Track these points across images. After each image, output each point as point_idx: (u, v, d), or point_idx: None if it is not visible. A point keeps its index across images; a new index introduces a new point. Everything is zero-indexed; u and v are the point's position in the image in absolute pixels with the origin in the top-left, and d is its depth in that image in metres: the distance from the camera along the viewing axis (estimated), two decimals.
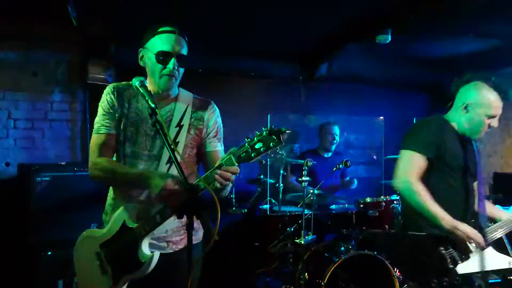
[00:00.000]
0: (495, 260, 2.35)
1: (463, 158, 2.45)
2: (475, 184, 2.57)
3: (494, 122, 2.42)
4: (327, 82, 5.44)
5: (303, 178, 3.76)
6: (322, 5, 3.48)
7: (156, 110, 1.72)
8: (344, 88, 5.65)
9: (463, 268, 2.28)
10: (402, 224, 2.59)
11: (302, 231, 3.81)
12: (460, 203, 2.46)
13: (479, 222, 2.39)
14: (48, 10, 3.61)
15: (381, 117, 5.13)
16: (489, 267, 2.33)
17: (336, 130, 4.74)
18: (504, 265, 2.36)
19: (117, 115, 1.97)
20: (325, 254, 3.81)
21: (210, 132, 2.07)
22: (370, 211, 4.04)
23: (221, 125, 2.15)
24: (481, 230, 2.34)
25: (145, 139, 1.96)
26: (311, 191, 3.94)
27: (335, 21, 3.93)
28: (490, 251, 2.37)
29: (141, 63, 1.99)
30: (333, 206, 4.30)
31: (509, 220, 2.48)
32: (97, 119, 2.00)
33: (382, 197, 4.12)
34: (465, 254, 2.31)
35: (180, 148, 1.98)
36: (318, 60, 5.03)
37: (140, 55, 1.97)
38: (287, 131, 1.66)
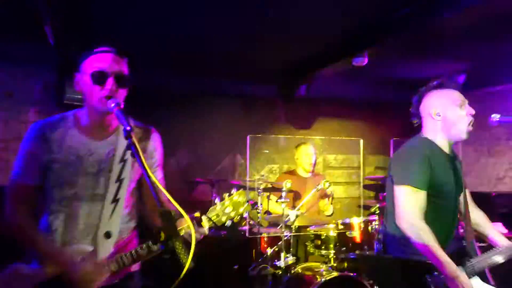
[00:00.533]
0: None
1: (452, 180, 2.37)
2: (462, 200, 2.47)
3: (469, 109, 2.35)
4: (306, 103, 5.50)
5: (282, 200, 3.75)
6: (298, 29, 3.54)
7: (131, 133, 1.58)
8: (322, 109, 5.72)
9: None
10: (384, 247, 2.50)
11: (282, 253, 3.78)
12: (446, 226, 2.38)
13: (468, 251, 2.31)
14: (25, 30, 3.56)
15: (360, 138, 5.20)
16: None
17: (312, 150, 4.76)
18: None
19: (41, 162, 1.79)
20: (305, 277, 3.77)
21: (154, 163, 1.98)
22: (350, 232, 4.05)
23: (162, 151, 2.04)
24: (470, 261, 2.26)
25: (86, 179, 1.80)
26: (291, 212, 3.93)
27: (311, 45, 3.99)
28: (475, 281, 2.26)
29: (77, 89, 1.84)
30: (313, 227, 4.29)
31: (503, 250, 2.32)
32: (16, 162, 1.83)
33: (361, 217, 4.14)
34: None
35: (125, 185, 1.85)
36: (297, 81, 5.09)
37: (76, 80, 1.83)
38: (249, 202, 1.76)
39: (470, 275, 2.23)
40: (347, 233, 4.08)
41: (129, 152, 1.77)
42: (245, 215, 4.27)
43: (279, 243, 3.89)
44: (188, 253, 1.51)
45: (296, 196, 4.47)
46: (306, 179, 4.76)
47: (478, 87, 5.37)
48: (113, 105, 1.69)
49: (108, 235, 1.81)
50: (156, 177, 1.96)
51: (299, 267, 3.89)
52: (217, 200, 1.84)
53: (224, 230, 4.36)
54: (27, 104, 4.37)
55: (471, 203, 2.54)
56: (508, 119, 2.37)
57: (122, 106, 1.71)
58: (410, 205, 2.25)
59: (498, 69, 4.70)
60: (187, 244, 1.58)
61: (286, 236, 3.85)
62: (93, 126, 1.85)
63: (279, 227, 4.07)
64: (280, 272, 3.81)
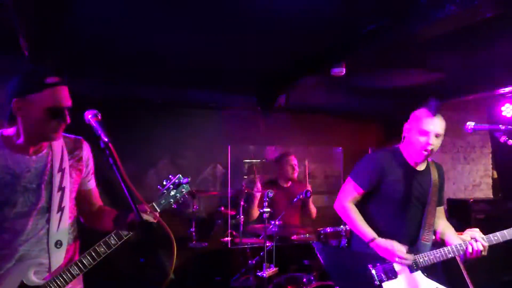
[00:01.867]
0: (422, 284, 2.45)
1: (406, 188, 2.57)
2: (430, 211, 2.64)
3: (431, 140, 2.48)
4: (285, 113, 5.53)
5: (264, 210, 3.74)
6: (275, 39, 3.57)
7: (109, 144, 1.63)
8: (302, 118, 5.76)
9: (388, 286, 2.42)
10: (347, 243, 2.89)
11: (264, 264, 3.76)
12: (404, 231, 2.58)
13: (417, 247, 2.52)
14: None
15: (339, 147, 5.26)
16: None
17: (294, 160, 4.79)
18: None
19: None
20: (288, 287, 3.77)
21: (89, 170, 2.05)
22: (331, 241, 4.06)
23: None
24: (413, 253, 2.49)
25: (27, 196, 1.81)
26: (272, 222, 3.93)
27: (289, 55, 4.03)
28: (419, 275, 2.47)
29: (16, 113, 1.78)
30: (295, 237, 4.29)
31: (448, 249, 2.52)
32: None
33: (342, 226, 4.16)
34: (392, 273, 2.44)
35: (67, 193, 1.90)
36: (276, 91, 5.12)
37: (17, 105, 1.76)
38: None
39: (412, 268, 2.47)
40: (328, 242, 4.08)
41: (66, 162, 1.92)
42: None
43: (261, 253, 3.88)
44: (169, 264, 1.50)
45: (277, 205, 4.47)
46: (288, 188, 4.77)
47: (453, 96, 5.50)
48: (90, 116, 1.72)
49: (58, 244, 1.86)
50: (92, 184, 2.08)
51: (282, 277, 3.88)
52: (159, 187, 2.14)
53: (205, 242, 4.32)
54: (2, 117, 4.26)
55: (442, 218, 2.79)
56: (482, 127, 2.45)
57: (99, 117, 1.73)
58: (346, 192, 2.68)
59: (472, 78, 4.83)
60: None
61: (268, 246, 3.84)
62: (28, 145, 1.84)
63: (260, 237, 4.05)
64: (263, 283, 3.79)
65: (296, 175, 4.81)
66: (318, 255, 3.43)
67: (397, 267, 2.46)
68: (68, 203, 1.89)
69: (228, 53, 3.97)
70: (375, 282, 2.41)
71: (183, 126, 5.30)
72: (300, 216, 4.79)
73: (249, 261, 3.97)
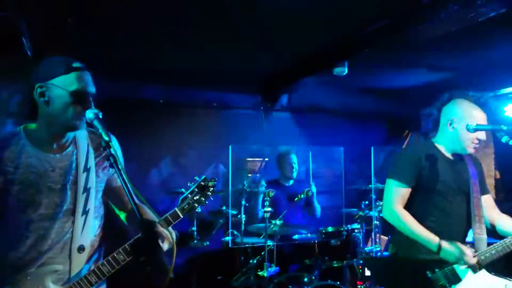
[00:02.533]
0: (489, 284, 2.33)
1: (447, 178, 2.47)
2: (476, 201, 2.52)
3: (481, 135, 2.46)
4: (287, 113, 5.54)
5: (265, 209, 3.74)
6: (277, 39, 3.57)
7: (110, 143, 1.60)
8: (304, 118, 5.76)
9: None
10: (395, 252, 2.61)
11: (265, 263, 3.76)
12: (452, 224, 2.48)
13: (472, 243, 2.40)
14: (1, 41, 3.50)
15: (341, 147, 5.25)
16: None
17: (294, 158, 4.79)
18: None
19: None
20: (289, 286, 3.77)
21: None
22: (333, 241, 4.06)
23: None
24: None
25: (52, 196, 1.73)
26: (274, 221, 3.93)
27: (291, 55, 4.03)
28: (483, 274, 2.34)
29: (39, 100, 1.71)
30: (296, 236, 4.28)
31: (506, 241, 2.40)
32: None
33: (343, 226, 4.16)
34: (454, 277, 2.32)
35: (92, 195, 1.82)
36: (278, 91, 5.12)
37: (41, 90, 1.70)
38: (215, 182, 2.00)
39: (475, 268, 2.33)
40: (330, 241, 4.08)
41: (91, 160, 1.83)
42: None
43: (262, 253, 3.87)
44: (169, 263, 1.49)
45: (279, 205, 4.46)
46: (290, 187, 4.76)
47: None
48: (91, 115, 1.68)
49: (81, 249, 1.78)
50: (120, 182, 1.93)
51: (283, 277, 3.88)
52: (183, 190, 2.01)
53: (207, 241, 4.32)
54: (4, 116, 4.26)
55: (492, 207, 2.65)
56: (484, 127, 2.43)
57: (100, 116, 1.70)
58: (391, 196, 2.49)
59: (474, 78, 4.81)
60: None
61: (269, 245, 3.84)
62: (51, 140, 1.77)
63: (262, 236, 4.05)
64: (264, 282, 3.79)
65: (295, 174, 4.80)
66: (367, 269, 3.42)
67: (458, 269, 2.34)
68: (93, 204, 1.81)
69: (231, 53, 3.97)
70: None
71: (185, 126, 5.31)
72: (302, 215, 4.78)
73: (250, 261, 3.96)
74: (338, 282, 3.75)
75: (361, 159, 5.56)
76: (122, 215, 2.03)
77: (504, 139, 2.29)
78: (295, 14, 3.06)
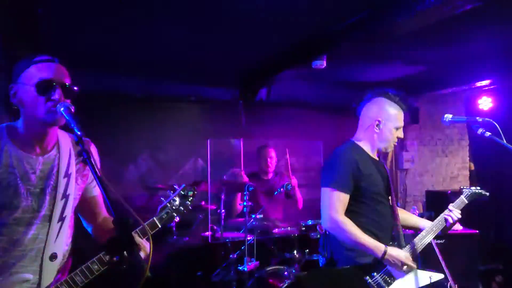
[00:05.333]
0: (418, 278, 2.41)
1: (380, 181, 2.49)
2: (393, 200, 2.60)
3: (400, 133, 2.55)
4: (266, 106, 5.52)
5: (245, 203, 3.72)
6: (256, 32, 3.54)
7: (82, 139, 1.52)
8: (283, 112, 5.75)
9: None
10: (330, 259, 2.57)
11: (245, 258, 3.75)
12: (386, 226, 2.50)
13: (400, 242, 2.46)
14: None
15: (320, 140, 5.27)
16: (414, 286, 2.39)
17: (273, 152, 4.78)
18: (426, 281, 2.43)
19: None
20: (269, 280, 3.76)
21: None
22: (312, 234, 4.07)
23: None
24: (405, 247, 2.44)
25: (31, 200, 1.64)
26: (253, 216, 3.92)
27: (270, 48, 4.01)
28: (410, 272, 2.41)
29: (14, 101, 1.66)
30: (276, 230, 4.28)
31: (431, 227, 2.53)
32: None
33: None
34: (390, 278, 2.35)
35: (70, 202, 1.74)
36: (257, 84, 5.10)
37: (12, 91, 1.65)
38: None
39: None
40: (310, 235, 4.09)
41: (73, 166, 1.76)
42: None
43: (242, 247, 3.86)
44: (145, 261, 1.45)
45: (259, 198, 4.46)
46: (269, 181, 4.76)
47: (431, 90, 5.56)
48: (62, 109, 1.59)
49: (53, 257, 1.70)
50: (96, 191, 1.91)
51: (263, 271, 3.87)
52: (163, 199, 1.94)
53: (186, 237, 4.28)
54: None
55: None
56: (460, 119, 2.47)
57: (72, 110, 1.61)
58: (330, 204, 2.37)
59: (450, 71, 4.88)
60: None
61: (249, 240, 3.83)
62: (33, 141, 1.70)
63: (241, 231, 4.04)
64: (244, 277, 3.78)
65: (274, 167, 4.79)
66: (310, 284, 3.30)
67: (391, 268, 2.37)
68: (70, 212, 1.74)
69: (209, 46, 3.92)
70: None
71: (162, 120, 5.24)
72: (283, 209, 4.78)
73: (230, 255, 3.94)
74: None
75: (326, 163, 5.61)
76: (90, 228, 1.97)
77: (479, 130, 2.32)
78: (274, 8, 3.04)
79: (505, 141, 2.24)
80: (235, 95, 5.39)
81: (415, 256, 2.45)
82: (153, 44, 3.84)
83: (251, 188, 3.78)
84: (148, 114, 5.16)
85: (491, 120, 2.29)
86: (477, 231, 4.51)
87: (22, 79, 1.64)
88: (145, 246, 1.70)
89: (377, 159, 2.60)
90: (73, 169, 1.77)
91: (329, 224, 2.37)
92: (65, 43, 3.67)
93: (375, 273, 2.33)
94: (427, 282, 2.43)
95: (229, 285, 3.93)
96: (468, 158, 6.61)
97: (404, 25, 3.00)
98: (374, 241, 2.33)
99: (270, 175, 4.80)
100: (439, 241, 2.89)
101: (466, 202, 2.67)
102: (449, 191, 5.50)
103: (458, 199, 2.67)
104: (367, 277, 2.31)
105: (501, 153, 2.31)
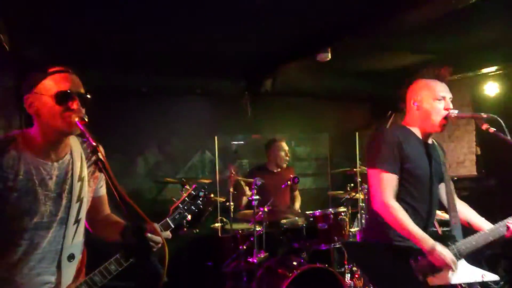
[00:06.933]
0: (467, 273, 2.30)
1: (428, 165, 2.41)
2: (443, 189, 2.52)
3: (447, 104, 2.42)
4: (272, 98, 5.52)
5: (254, 197, 3.79)
6: (262, 25, 3.55)
7: (97, 148, 1.56)
8: (289, 103, 5.75)
9: (434, 280, 2.23)
10: (368, 233, 2.56)
11: (254, 249, 3.82)
12: (424, 212, 2.41)
13: (453, 234, 2.36)
14: None
15: (326, 132, 5.30)
16: (462, 280, 2.29)
17: (285, 146, 4.81)
18: (477, 278, 2.32)
19: None
20: (278, 270, 3.84)
21: (103, 176, 1.92)
22: (320, 224, 4.14)
23: None
24: (454, 243, 2.31)
25: (48, 205, 1.72)
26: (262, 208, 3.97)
27: (276, 40, 4.01)
28: (462, 263, 2.31)
29: (30, 112, 1.71)
30: (284, 221, 4.35)
31: (487, 233, 2.38)
32: None
33: (330, 209, 4.23)
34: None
35: (84, 204, 1.81)
36: (262, 76, 5.11)
37: (28, 102, 1.69)
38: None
39: (456, 257, 2.25)
40: (317, 225, 4.16)
41: (85, 170, 1.82)
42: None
43: (251, 239, 3.94)
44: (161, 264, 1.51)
45: (267, 191, 4.51)
46: (277, 173, 4.80)
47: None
48: (76, 119, 1.65)
49: (71, 257, 1.78)
50: (103, 191, 1.98)
51: (272, 261, 3.95)
52: (174, 199, 2.03)
53: (196, 229, 4.37)
54: None
55: (454, 194, 2.57)
56: (465, 115, 2.49)
57: (86, 120, 1.67)
58: (380, 187, 2.31)
59: (456, 59, 4.86)
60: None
61: (258, 232, 3.90)
62: (48, 148, 1.75)
63: (250, 223, 4.11)
64: (254, 267, 3.86)
65: (287, 160, 4.83)
66: (350, 255, 3.26)
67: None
68: (84, 214, 1.82)
69: (215, 37, 3.93)
70: (420, 277, 2.22)
71: (170, 114, 5.28)
72: (290, 200, 4.85)
73: (240, 247, 4.02)
74: (327, 265, 3.83)
75: (345, 141, 5.65)
76: (88, 223, 2.01)
77: (484, 126, 2.33)
78: (279, 0, 3.04)
79: (509, 137, 2.25)
80: (241, 87, 5.41)
81: (468, 253, 2.32)
82: (159, 40, 3.86)
83: (258, 183, 3.83)
84: (155, 108, 5.20)
85: (495, 116, 2.30)
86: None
87: (38, 90, 1.68)
88: (160, 242, 1.79)
89: (430, 143, 2.50)
90: (85, 172, 1.83)
91: (378, 207, 2.33)
92: (71, 40, 3.71)
93: (420, 257, 2.24)
94: (478, 279, 2.31)
95: (239, 275, 4.03)
96: (474, 143, 6.61)
97: (409, 20, 3.01)
98: (423, 233, 2.23)
99: (279, 168, 4.83)
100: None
101: None
102: (455, 177, 5.51)
103: None
104: (412, 260, 2.24)
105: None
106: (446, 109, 2.40)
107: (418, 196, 2.39)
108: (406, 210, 2.30)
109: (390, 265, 2.32)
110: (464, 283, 2.33)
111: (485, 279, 2.32)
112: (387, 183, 2.30)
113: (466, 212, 2.57)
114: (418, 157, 2.39)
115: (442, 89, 2.43)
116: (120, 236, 1.80)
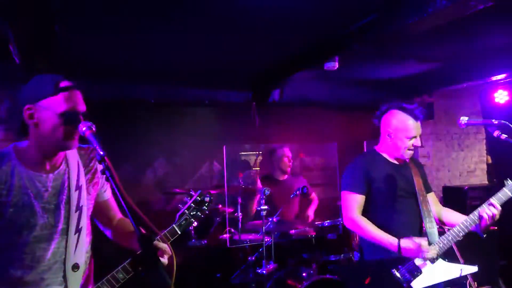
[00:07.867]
0: (447, 271, 2.48)
1: (393, 181, 2.68)
2: (422, 199, 2.72)
3: (417, 142, 2.68)
4: (280, 107, 5.53)
5: (262, 207, 3.76)
6: (270, 36, 3.56)
7: (104, 157, 1.54)
8: (296, 112, 5.75)
9: (417, 284, 2.41)
10: (361, 256, 2.80)
11: (264, 260, 3.79)
12: (408, 223, 2.67)
13: (427, 239, 2.50)
14: None
15: (334, 142, 5.28)
16: (442, 278, 2.47)
17: (289, 152, 4.79)
18: (456, 274, 2.48)
19: None
20: (288, 281, 3.80)
21: (105, 181, 1.93)
22: (329, 235, 4.10)
23: None
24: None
25: (47, 217, 1.71)
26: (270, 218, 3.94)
27: (283, 51, 4.02)
28: (440, 262, 2.49)
29: (29, 122, 1.67)
30: (293, 232, 4.31)
31: (465, 221, 2.53)
32: None
33: (339, 219, 4.19)
34: (416, 271, 2.44)
35: (84, 213, 1.81)
36: (270, 86, 5.11)
37: (29, 112, 1.66)
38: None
39: (432, 259, 2.47)
40: (327, 235, 4.13)
41: (82, 178, 1.82)
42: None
43: (261, 250, 3.90)
44: (169, 275, 1.50)
45: (275, 200, 4.48)
46: (284, 182, 4.77)
47: (445, 85, 5.51)
48: (84, 128, 1.64)
49: (76, 267, 1.77)
50: (107, 195, 1.98)
51: (281, 272, 3.91)
52: (180, 206, 2.07)
53: (204, 240, 4.34)
54: None
55: (436, 203, 2.90)
56: (476, 122, 2.47)
57: (94, 129, 1.65)
58: (347, 205, 2.68)
59: (464, 67, 4.84)
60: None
61: (267, 242, 3.87)
62: (43, 160, 1.74)
63: (259, 234, 4.08)
64: (263, 279, 3.82)
65: (291, 167, 4.80)
66: (339, 277, 3.59)
67: (418, 262, 2.46)
68: (86, 222, 1.81)
69: (222, 49, 3.95)
70: (404, 285, 2.41)
71: (178, 124, 5.30)
72: (299, 210, 4.80)
73: (249, 258, 3.99)
74: (336, 276, 3.78)
75: (354, 150, 5.61)
76: (107, 232, 2.04)
77: (495, 133, 2.32)
78: (285, 10, 3.05)
79: None
80: (248, 97, 5.42)
81: (444, 251, 2.50)
82: (167, 51, 3.89)
83: (267, 193, 3.81)
84: (164, 119, 5.23)
85: (507, 123, 2.29)
86: (496, 227, 4.48)
87: (45, 104, 1.67)
88: (168, 250, 1.76)
89: (399, 163, 2.78)
90: (83, 180, 1.83)
91: (346, 223, 2.68)
92: (81, 55, 3.75)
93: (401, 266, 2.45)
94: (457, 274, 2.47)
95: (248, 286, 3.99)
96: (485, 152, 6.54)
97: (415, 27, 2.99)
98: (387, 235, 2.49)
99: (286, 176, 4.81)
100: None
101: (511, 195, 2.52)
102: (466, 186, 5.45)
103: (500, 191, 2.55)
104: (394, 270, 2.43)
105: None
106: (415, 146, 2.69)
107: (393, 212, 2.65)
108: (391, 224, 2.58)
109: (376, 280, 2.54)
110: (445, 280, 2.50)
111: (464, 273, 2.49)
112: (352, 202, 2.65)
113: (452, 216, 2.78)
114: (384, 178, 2.69)
115: (415, 130, 2.68)
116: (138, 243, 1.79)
